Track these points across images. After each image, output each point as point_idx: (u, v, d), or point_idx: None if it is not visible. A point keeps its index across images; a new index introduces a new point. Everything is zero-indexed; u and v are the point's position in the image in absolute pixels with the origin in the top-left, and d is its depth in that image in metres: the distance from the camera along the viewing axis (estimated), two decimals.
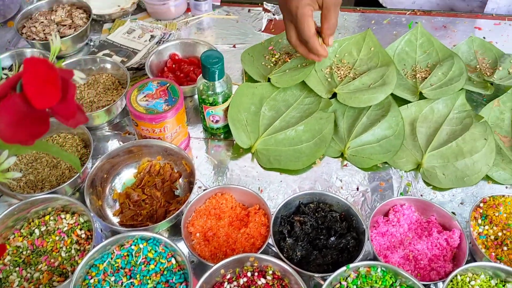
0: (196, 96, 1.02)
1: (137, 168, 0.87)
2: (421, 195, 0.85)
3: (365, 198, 0.85)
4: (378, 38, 1.10)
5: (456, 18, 1.20)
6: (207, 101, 0.88)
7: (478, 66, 1.06)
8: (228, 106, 0.90)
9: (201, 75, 0.86)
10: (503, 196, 0.78)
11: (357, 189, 0.86)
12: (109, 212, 0.82)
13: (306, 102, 0.99)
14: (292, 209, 0.79)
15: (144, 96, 0.82)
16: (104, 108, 0.91)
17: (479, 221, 0.77)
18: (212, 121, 0.92)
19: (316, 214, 0.77)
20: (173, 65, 1.03)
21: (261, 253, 0.71)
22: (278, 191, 0.86)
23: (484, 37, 1.14)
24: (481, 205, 0.78)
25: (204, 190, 0.80)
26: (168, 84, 0.84)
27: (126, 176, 0.86)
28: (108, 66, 1.00)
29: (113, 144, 0.94)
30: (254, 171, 0.89)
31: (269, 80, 1.01)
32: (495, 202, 0.77)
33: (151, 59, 1.01)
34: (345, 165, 0.90)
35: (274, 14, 1.21)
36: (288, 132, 0.93)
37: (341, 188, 0.86)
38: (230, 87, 0.88)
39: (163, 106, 0.80)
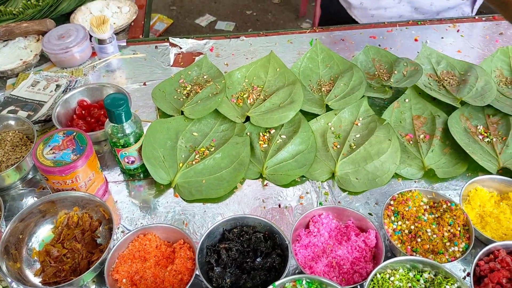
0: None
1: (55, 223, 0.84)
2: (339, 202, 0.89)
3: (288, 214, 0.88)
4: (283, 58, 1.16)
5: (352, 30, 1.28)
6: (118, 144, 0.87)
7: (376, 73, 1.13)
8: (141, 146, 0.90)
9: (108, 119, 0.85)
10: (410, 191, 0.84)
11: (279, 206, 0.89)
12: (30, 273, 0.79)
13: (221, 129, 1.01)
14: (217, 237, 0.80)
15: (51, 149, 0.80)
16: (13, 167, 0.88)
17: (392, 218, 0.81)
18: (128, 162, 0.91)
19: (241, 238, 0.79)
20: (82, 112, 1.02)
21: (190, 286, 0.71)
22: (203, 222, 0.87)
23: (379, 45, 1.23)
24: (392, 202, 0.83)
25: (126, 233, 0.79)
26: (74, 133, 0.83)
27: (44, 233, 0.83)
28: (13, 122, 0.97)
29: (29, 202, 0.90)
30: (177, 206, 0.89)
31: (182, 113, 1.02)
32: (403, 198, 0.83)
33: (57, 109, 0.99)
34: (266, 185, 0.93)
35: (181, 48, 1.23)
36: (206, 161, 0.94)
37: (264, 207, 0.89)
38: (140, 126, 0.89)
39: (71, 156, 0.79)
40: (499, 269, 0.72)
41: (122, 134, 0.86)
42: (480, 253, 0.74)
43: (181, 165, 0.93)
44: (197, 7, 3.55)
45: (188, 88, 1.09)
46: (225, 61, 1.20)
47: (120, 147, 0.88)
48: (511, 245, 0.75)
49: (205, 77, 1.12)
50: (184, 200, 0.90)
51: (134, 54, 1.22)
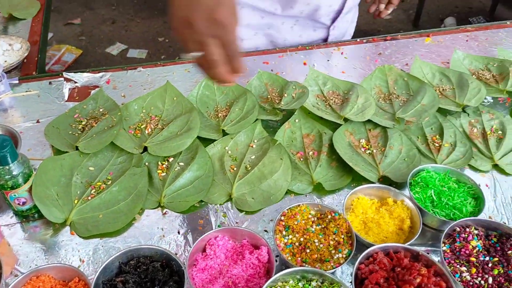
0: None
1: None
2: (236, 222, 0.93)
3: (187, 240, 0.90)
4: (181, 87, 1.19)
5: (247, 57, 1.35)
6: (6, 186, 0.85)
7: (269, 96, 1.20)
8: (31, 185, 0.88)
9: None
10: (298, 205, 0.90)
11: (178, 232, 0.91)
12: None
13: (119, 161, 1.02)
14: (114, 271, 0.80)
15: None
16: None
17: (284, 232, 0.87)
18: (19, 204, 0.89)
19: (138, 269, 0.79)
20: None
21: None
22: (100, 257, 0.86)
23: (271, 70, 1.30)
24: (282, 218, 0.88)
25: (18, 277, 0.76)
26: None
27: None
28: None
29: None
30: (73, 243, 0.88)
31: (77, 148, 1.02)
32: (292, 213, 0.88)
33: None
34: (165, 213, 0.94)
35: (76, 82, 1.23)
36: (103, 195, 0.94)
37: (163, 236, 0.90)
38: (28, 165, 0.87)
39: None
40: (377, 270, 0.79)
41: (10, 176, 0.84)
42: (361, 257, 0.81)
43: (76, 201, 0.92)
44: (107, 35, 3.51)
45: (83, 123, 1.09)
46: (122, 92, 1.21)
47: (8, 189, 0.86)
48: (388, 247, 0.83)
49: (101, 110, 1.12)
50: (80, 237, 0.89)
51: (27, 91, 1.19)
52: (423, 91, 1.19)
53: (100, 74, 1.26)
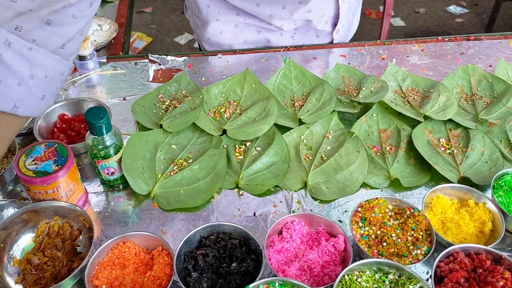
0: None
1: (36, 232, 0.86)
2: (311, 210, 0.94)
3: (262, 221, 0.92)
4: (259, 75, 1.21)
5: (323, 49, 1.35)
6: (99, 156, 0.90)
7: (346, 89, 1.20)
8: (121, 157, 0.94)
9: (89, 131, 0.89)
10: (376, 198, 0.89)
11: (254, 214, 0.93)
12: (11, 281, 0.80)
13: (199, 142, 1.06)
14: (195, 244, 0.84)
15: (33, 160, 0.83)
16: None
17: (360, 224, 0.87)
18: (108, 173, 0.94)
19: (217, 245, 0.82)
20: (63, 125, 1.05)
21: None
22: (181, 230, 0.90)
23: (349, 63, 1.30)
24: (359, 209, 0.88)
25: (106, 241, 0.82)
26: (56, 145, 0.86)
27: (25, 242, 0.85)
28: None
29: (9, 212, 0.92)
30: (156, 215, 0.92)
31: (161, 126, 1.06)
32: (370, 205, 0.88)
33: (38, 123, 1.02)
34: (241, 194, 0.97)
35: (160, 64, 1.28)
36: (184, 172, 0.98)
37: (239, 216, 0.93)
38: (119, 138, 0.92)
39: (52, 167, 0.82)
40: (458, 270, 0.77)
41: (103, 146, 0.90)
42: (440, 255, 0.79)
43: (159, 176, 0.97)
44: (176, 26, 3.62)
45: (167, 103, 1.14)
46: (203, 77, 1.25)
47: (100, 158, 0.91)
48: (469, 248, 0.81)
49: (183, 92, 1.16)
50: (162, 209, 0.93)
51: (114, 70, 1.26)
52: (509, 94, 1.14)
53: (183, 58, 1.30)
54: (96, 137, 0.89)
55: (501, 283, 0.74)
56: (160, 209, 0.94)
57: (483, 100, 1.16)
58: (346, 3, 1.30)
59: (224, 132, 1.07)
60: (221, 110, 1.12)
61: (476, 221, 0.89)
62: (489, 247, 0.81)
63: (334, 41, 1.39)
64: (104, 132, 0.88)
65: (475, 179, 0.97)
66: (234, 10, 1.25)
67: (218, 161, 1.00)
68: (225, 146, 1.04)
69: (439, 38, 1.39)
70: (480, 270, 0.77)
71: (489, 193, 0.92)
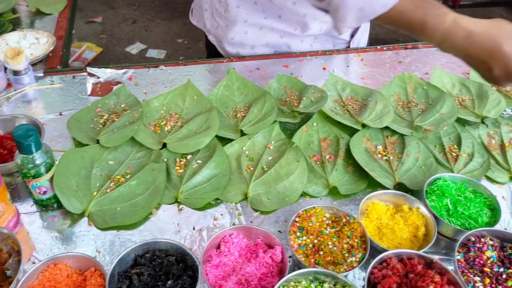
0: None
1: None
2: (251, 222, 0.94)
3: (202, 236, 0.91)
4: (201, 86, 1.21)
5: (267, 60, 1.36)
6: (29, 175, 0.87)
7: (288, 99, 1.21)
8: (53, 175, 0.90)
9: (17, 150, 0.85)
10: (314, 207, 0.90)
11: (194, 229, 0.92)
12: None
13: (138, 156, 1.03)
14: (130, 263, 0.82)
15: None
16: None
17: (298, 233, 0.87)
18: (40, 193, 0.91)
19: (153, 262, 0.81)
20: None
21: None
22: (117, 249, 0.88)
23: (291, 73, 1.31)
24: (297, 219, 0.89)
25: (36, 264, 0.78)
26: None
27: None
28: None
29: None
30: (90, 234, 0.90)
31: (98, 141, 1.04)
32: (307, 214, 0.89)
33: None
34: (181, 209, 0.95)
35: (99, 77, 1.25)
36: (121, 188, 0.96)
37: (178, 231, 0.91)
38: (51, 156, 0.89)
39: None
40: (391, 276, 0.79)
41: (33, 165, 0.86)
42: (374, 261, 0.81)
43: (95, 193, 0.94)
44: (127, 35, 3.56)
45: (105, 117, 1.11)
46: (144, 89, 1.23)
47: (31, 177, 0.88)
48: (402, 253, 0.83)
49: (122, 105, 1.14)
50: (97, 228, 0.91)
51: (51, 84, 1.22)
52: (443, 100, 1.19)
53: (123, 70, 1.28)
54: (25, 156, 0.85)
55: (431, 287, 0.76)
56: (95, 228, 0.91)
57: (418, 107, 1.20)
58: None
59: (165, 145, 1.05)
60: (162, 123, 1.11)
61: (410, 226, 0.91)
62: (421, 252, 0.84)
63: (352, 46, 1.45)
64: (34, 150, 0.85)
65: (410, 184, 1.01)
66: (263, 13, 1.28)
67: (157, 176, 0.98)
68: (165, 160, 1.03)
69: (378, 47, 1.44)
70: (412, 275, 0.79)
71: (422, 198, 0.95)
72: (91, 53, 3.32)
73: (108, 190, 0.95)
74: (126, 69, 1.28)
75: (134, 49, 3.40)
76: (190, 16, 1.51)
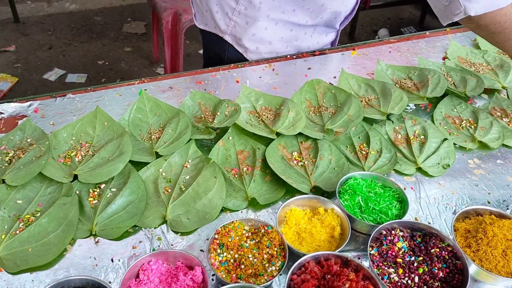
0: None
1: None
2: (172, 245, 0.93)
3: (121, 267, 0.88)
4: (113, 111, 1.19)
5: (180, 78, 1.36)
6: None
7: (202, 116, 1.22)
8: None
9: None
10: (232, 222, 0.91)
11: (112, 260, 0.89)
12: None
13: (48, 191, 0.99)
14: None
15: None
16: None
17: (218, 250, 0.87)
18: None
19: None
20: None
21: None
22: None
23: (205, 89, 1.32)
24: (216, 236, 0.89)
25: None
26: None
27: None
28: None
29: None
30: (1, 280, 0.85)
31: (4, 181, 0.98)
32: (226, 230, 0.89)
33: None
34: (97, 241, 0.92)
35: (2, 113, 1.19)
36: (32, 228, 0.91)
37: (96, 265, 0.88)
38: None
39: None
40: (309, 280, 0.81)
41: None
42: (293, 267, 0.83)
43: (3, 236, 0.89)
44: (44, 61, 3.42)
45: (10, 154, 1.05)
46: (51, 121, 1.18)
47: None
48: (319, 255, 0.86)
49: (28, 140, 1.09)
50: (9, 273, 0.86)
51: None
52: (349, 102, 1.25)
53: (28, 103, 1.22)
54: None
55: (346, 285, 0.79)
56: (7, 272, 0.86)
57: (328, 111, 1.25)
58: None
59: (76, 177, 1.02)
60: (72, 154, 1.07)
61: (326, 227, 0.94)
62: (336, 252, 0.87)
63: (336, 40, 1.57)
64: None
65: (325, 186, 1.04)
66: (279, 8, 1.34)
67: (69, 210, 0.95)
68: (77, 192, 0.99)
69: (288, 56, 1.48)
70: (329, 276, 0.82)
71: (336, 198, 0.98)
72: (6, 84, 3.16)
73: (17, 232, 0.90)
74: (31, 101, 1.23)
75: (53, 75, 3.27)
76: (194, 20, 1.55)
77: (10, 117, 1.19)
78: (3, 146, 1.08)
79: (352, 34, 3.91)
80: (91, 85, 1.36)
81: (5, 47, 3.52)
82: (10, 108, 1.21)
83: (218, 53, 1.52)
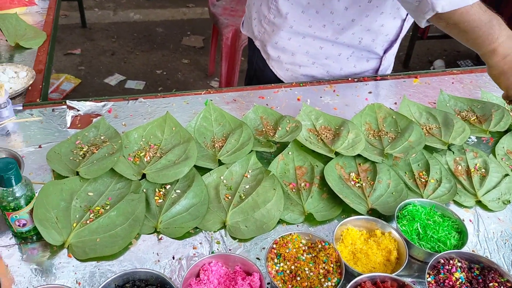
0: None
1: None
2: (230, 250, 0.96)
3: (181, 265, 0.92)
4: (180, 118, 1.24)
5: (243, 91, 1.41)
6: (8, 208, 0.88)
7: (264, 129, 1.26)
8: (33, 208, 0.91)
9: None
10: (290, 234, 0.93)
11: (173, 258, 0.93)
12: None
13: (117, 187, 1.05)
14: None
15: None
16: None
17: (275, 260, 0.90)
18: (19, 225, 0.91)
19: None
20: None
21: None
22: (97, 280, 0.88)
23: (267, 104, 1.36)
24: (274, 246, 0.91)
25: None
26: None
27: None
28: None
29: None
30: (70, 266, 0.90)
31: (78, 173, 1.05)
32: (284, 241, 0.92)
33: None
34: (160, 239, 0.97)
35: (78, 110, 1.27)
36: (101, 220, 0.97)
37: (158, 261, 0.93)
38: (31, 188, 0.90)
39: None
40: None
41: (13, 198, 0.87)
42: (349, 285, 0.84)
43: (75, 225, 0.95)
44: (106, 66, 3.59)
45: (84, 149, 1.13)
46: (123, 121, 1.25)
47: (10, 210, 0.88)
48: (375, 277, 0.87)
49: (102, 137, 1.16)
50: (77, 259, 0.91)
51: (30, 117, 1.24)
52: (411, 129, 1.25)
53: (102, 103, 1.31)
54: (5, 188, 0.86)
55: None
56: (75, 259, 0.92)
57: (388, 136, 1.26)
58: (408, 25, 1.43)
59: (144, 176, 1.08)
60: (141, 154, 1.13)
61: (383, 250, 0.95)
62: (393, 275, 0.87)
63: (380, 68, 1.55)
64: (14, 183, 0.86)
65: (382, 210, 1.05)
66: (308, 22, 1.38)
67: (136, 206, 1.00)
68: (144, 190, 1.05)
69: (349, 79, 1.50)
70: None
71: (394, 223, 0.99)
72: (69, 84, 3.34)
73: (87, 222, 0.96)
74: (105, 102, 1.31)
75: (113, 80, 3.43)
76: (241, 27, 1.65)
77: (85, 114, 1.27)
78: (78, 141, 1.15)
79: (407, 63, 3.88)
80: (148, 92, 1.43)
81: (72, 50, 3.73)
82: (85, 106, 1.29)
83: (251, 58, 1.61)
